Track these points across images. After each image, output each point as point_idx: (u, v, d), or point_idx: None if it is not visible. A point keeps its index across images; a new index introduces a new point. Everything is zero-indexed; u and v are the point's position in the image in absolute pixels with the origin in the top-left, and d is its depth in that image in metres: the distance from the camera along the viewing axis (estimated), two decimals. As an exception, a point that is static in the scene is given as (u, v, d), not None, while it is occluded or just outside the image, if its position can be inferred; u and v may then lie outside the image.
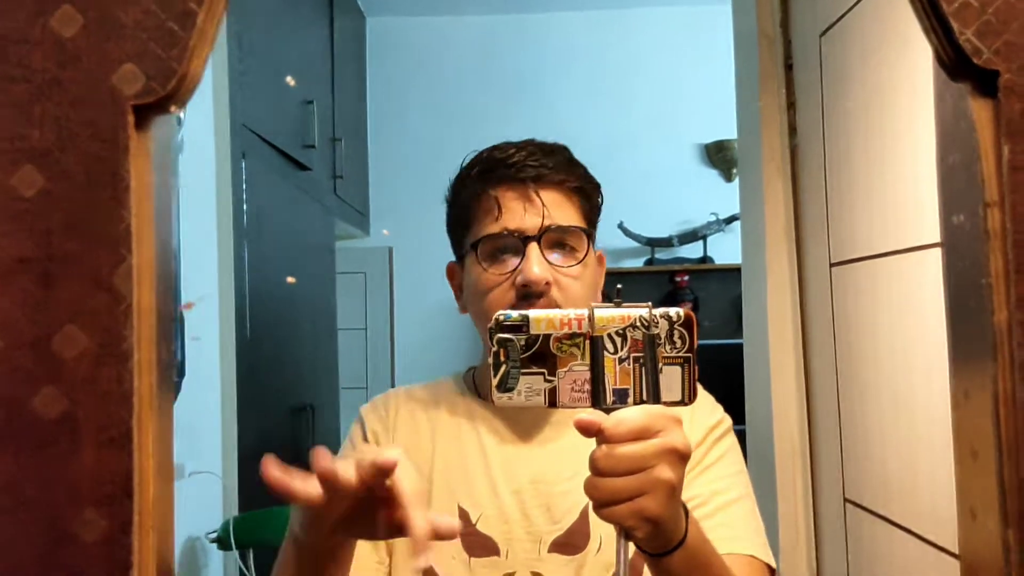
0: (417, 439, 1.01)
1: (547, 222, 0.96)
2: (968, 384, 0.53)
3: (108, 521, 0.41)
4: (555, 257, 0.96)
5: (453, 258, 1.08)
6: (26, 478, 0.41)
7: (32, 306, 0.42)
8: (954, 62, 0.45)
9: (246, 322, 2.27)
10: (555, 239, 0.97)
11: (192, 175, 1.97)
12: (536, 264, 0.94)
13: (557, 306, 0.93)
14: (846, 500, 1.39)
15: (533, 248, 0.95)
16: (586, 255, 0.98)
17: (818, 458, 1.50)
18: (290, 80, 2.48)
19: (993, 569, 0.50)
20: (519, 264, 0.95)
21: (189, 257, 1.90)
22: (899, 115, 1.16)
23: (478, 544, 0.94)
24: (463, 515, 0.95)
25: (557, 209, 0.97)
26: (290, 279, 2.49)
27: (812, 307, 1.50)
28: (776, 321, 1.52)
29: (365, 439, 1.03)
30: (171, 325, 0.49)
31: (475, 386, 1.06)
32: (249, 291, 2.28)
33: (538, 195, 0.96)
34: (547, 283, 0.94)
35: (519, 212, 0.96)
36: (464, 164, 1.04)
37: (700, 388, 1.03)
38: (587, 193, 1.01)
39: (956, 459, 0.54)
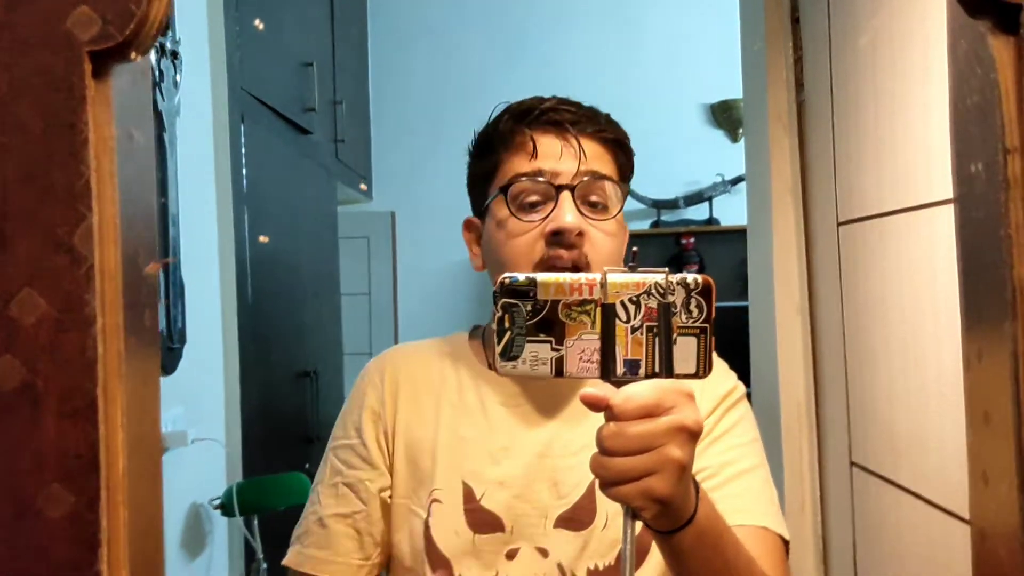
0: (420, 414, 0.98)
1: (584, 168, 0.91)
2: (981, 345, 0.50)
3: (75, 496, 0.39)
4: (587, 210, 0.91)
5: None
6: (-16, 451, 0.39)
7: (-13, 268, 0.39)
8: (975, -2, 0.41)
9: (247, 288, 2.25)
10: (590, 190, 0.91)
11: (190, 140, 1.94)
12: (569, 212, 0.89)
13: (587, 261, 0.88)
14: (852, 463, 1.37)
15: (566, 196, 0.89)
16: (619, 211, 0.93)
17: (824, 421, 1.48)
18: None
19: (1005, 534, 0.48)
20: (551, 212, 0.90)
21: (188, 223, 1.88)
22: (910, 69, 1.12)
23: (482, 520, 0.92)
24: (467, 491, 0.93)
25: (595, 159, 0.92)
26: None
27: (819, 267, 1.47)
28: (782, 282, 1.49)
29: (359, 423, 1.00)
30: (150, 290, 0.46)
31: (483, 349, 1.02)
32: (250, 256, 2.26)
33: (577, 141, 0.91)
34: (580, 233, 0.89)
35: (555, 154, 0.91)
36: (491, 116, 0.98)
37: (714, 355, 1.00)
38: (624, 147, 0.97)
39: (968, 423, 0.52)
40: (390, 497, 0.97)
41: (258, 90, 2.36)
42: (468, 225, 1.02)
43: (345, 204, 3.61)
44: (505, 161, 0.94)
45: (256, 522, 2.01)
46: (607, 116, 0.97)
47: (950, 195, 0.97)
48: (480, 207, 0.99)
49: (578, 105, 0.95)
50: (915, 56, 1.11)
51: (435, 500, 0.93)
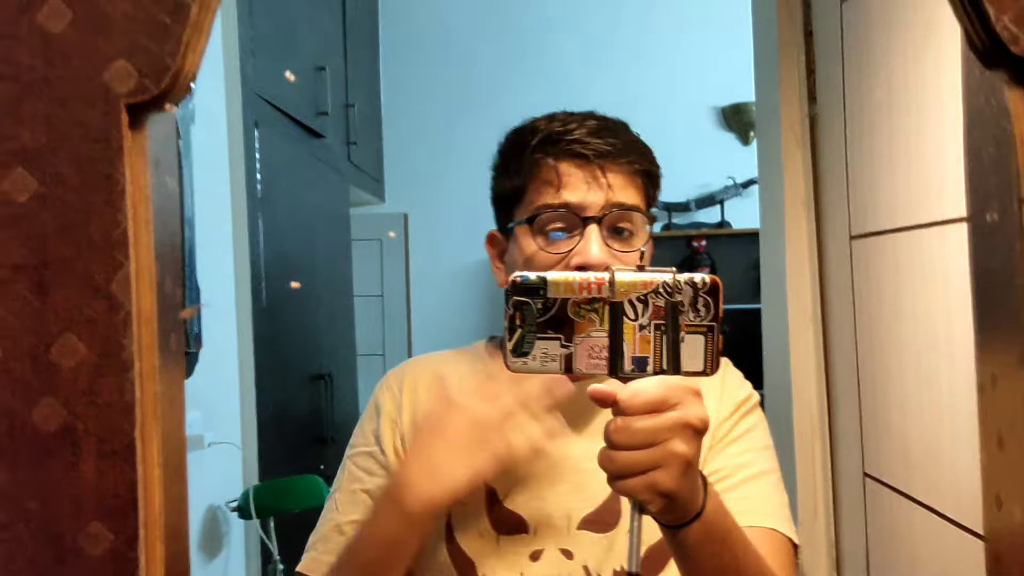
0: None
1: (611, 202, 0.91)
2: (996, 370, 0.51)
3: (113, 535, 0.40)
4: (613, 241, 0.92)
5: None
6: (26, 492, 0.40)
7: (28, 315, 0.41)
8: (989, 49, 0.42)
9: (262, 291, 2.27)
10: (615, 221, 0.92)
11: (205, 145, 1.96)
12: (596, 246, 0.89)
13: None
14: (866, 475, 1.37)
15: (593, 229, 0.90)
16: (646, 242, 0.93)
17: (837, 431, 1.48)
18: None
19: (1019, 556, 0.48)
20: (576, 245, 0.90)
21: (203, 228, 1.90)
22: (924, 87, 1.13)
23: (507, 521, 0.93)
24: (490, 493, 0.94)
25: (621, 191, 0.92)
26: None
27: (831, 279, 1.47)
28: (795, 291, 1.50)
29: (378, 431, 1.00)
30: (179, 321, 0.48)
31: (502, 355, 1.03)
32: (264, 260, 2.28)
33: (603, 173, 0.91)
34: (606, 268, 0.90)
35: (582, 187, 0.91)
36: (515, 131, 0.98)
37: (729, 364, 1.01)
38: (652, 176, 0.97)
39: (982, 445, 0.53)
40: None
41: (271, 95, 2.37)
42: (491, 240, 1.03)
43: (358, 206, 3.62)
44: (531, 190, 0.94)
45: (272, 524, 2.03)
46: (635, 140, 0.97)
47: (963, 213, 0.98)
48: (504, 225, 0.99)
49: (604, 129, 0.94)
50: (928, 74, 1.11)
51: (458, 502, 0.94)
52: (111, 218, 0.41)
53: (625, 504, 0.91)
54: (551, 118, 0.96)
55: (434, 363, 1.05)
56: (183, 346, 0.49)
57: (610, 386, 0.67)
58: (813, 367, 1.50)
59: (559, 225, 0.92)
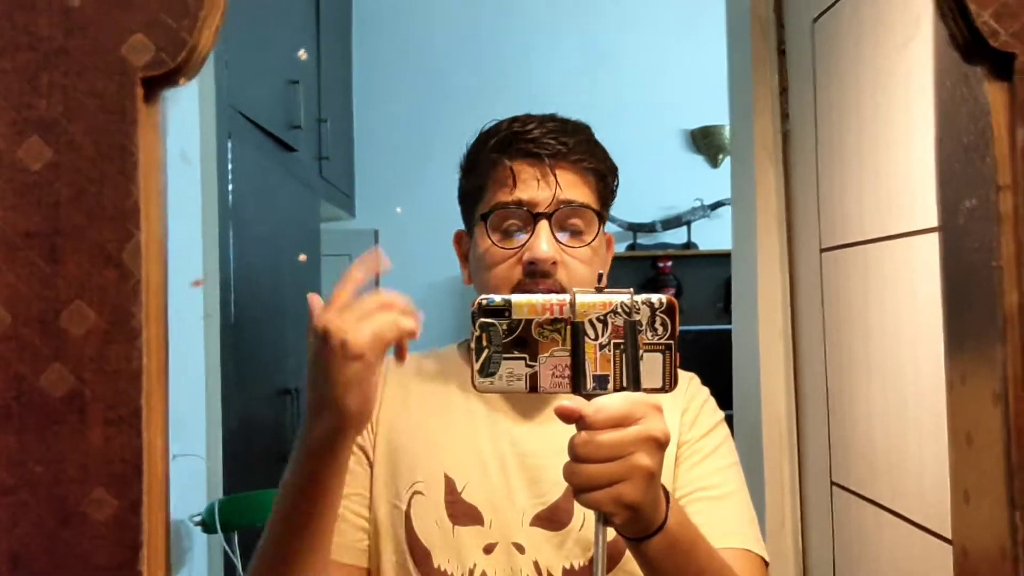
0: (405, 405, 1.01)
1: (560, 198, 0.95)
2: (965, 368, 0.53)
3: (118, 500, 0.41)
4: (564, 237, 0.95)
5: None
6: (33, 456, 0.40)
7: (39, 281, 0.41)
8: (970, 44, 0.44)
9: (231, 304, 2.25)
10: (566, 218, 0.96)
11: (176, 156, 1.95)
12: (545, 242, 0.93)
13: (561, 288, 0.92)
14: (833, 483, 1.40)
15: (543, 225, 0.94)
16: (595, 237, 0.97)
17: (805, 441, 1.51)
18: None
19: (986, 551, 0.50)
20: (527, 240, 0.94)
21: (174, 239, 1.88)
22: (892, 101, 1.17)
23: (463, 512, 0.95)
24: (449, 483, 0.96)
25: (571, 188, 0.96)
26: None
27: (802, 292, 1.51)
28: (765, 306, 1.53)
29: None
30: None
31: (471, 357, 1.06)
32: (234, 273, 2.26)
33: (553, 172, 0.95)
34: (554, 263, 0.93)
35: (533, 185, 0.95)
36: (482, 132, 1.02)
37: (695, 379, 1.04)
38: (603, 175, 1.00)
39: (950, 443, 0.54)
40: (372, 491, 0.99)
41: (245, 107, 2.37)
42: (458, 238, 1.07)
43: (328, 221, 3.61)
44: (488, 189, 0.98)
45: (236, 538, 2.01)
46: (588, 140, 1.01)
47: (931, 224, 1.01)
48: (468, 224, 1.04)
49: (560, 130, 0.98)
50: (898, 90, 1.15)
51: (417, 492, 0.96)
52: (124, 188, 0.42)
53: (578, 505, 0.93)
54: (514, 119, 1.01)
55: (405, 366, 1.08)
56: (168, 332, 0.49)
57: (574, 403, 0.69)
58: (782, 379, 1.52)
59: (513, 222, 0.96)
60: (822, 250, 1.41)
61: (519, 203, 0.95)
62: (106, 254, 0.41)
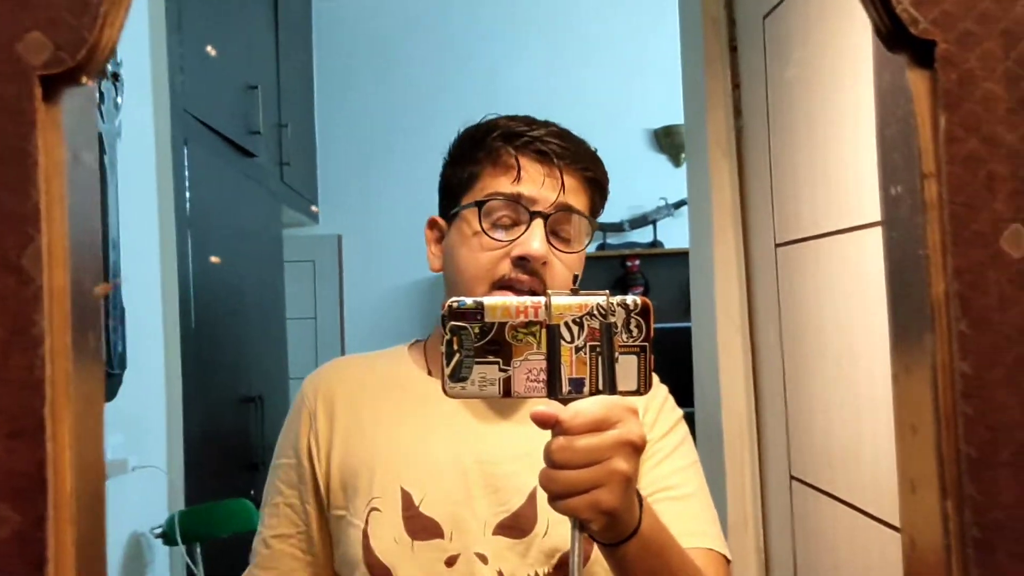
0: (359, 419, 0.99)
1: (561, 200, 0.94)
2: (908, 359, 0.53)
3: (21, 516, 0.39)
4: (554, 240, 0.94)
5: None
6: (-72, 472, 0.38)
7: (-67, 290, 0.39)
8: (891, 32, 0.44)
9: (191, 312, 2.22)
10: (560, 222, 0.95)
11: (132, 162, 1.91)
12: (538, 240, 0.92)
13: (544, 289, 0.91)
14: (792, 477, 1.40)
15: (538, 224, 0.93)
16: (584, 246, 0.97)
17: (765, 437, 1.51)
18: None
19: (933, 543, 0.50)
20: (521, 235, 0.93)
21: (130, 246, 1.85)
22: (840, 94, 1.17)
23: (421, 527, 0.93)
24: (406, 497, 0.94)
25: (572, 194, 0.95)
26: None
27: (758, 288, 1.51)
28: (723, 303, 1.53)
29: (295, 440, 1.01)
30: (95, 311, 0.46)
31: (425, 360, 1.03)
32: (194, 280, 2.23)
33: (560, 173, 0.94)
34: (544, 263, 0.92)
35: (537, 182, 0.94)
36: (476, 124, 1.00)
37: (655, 378, 1.03)
38: (601, 187, 1.00)
39: (896, 434, 0.54)
40: (329, 512, 0.98)
41: (202, 113, 2.34)
42: (432, 224, 1.04)
43: (291, 227, 3.58)
44: (486, 176, 0.96)
45: (199, 550, 1.97)
46: (591, 151, 1.00)
47: (879, 217, 1.02)
48: (449, 211, 1.01)
49: (566, 136, 0.98)
50: (845, 83, 1.16)
51: (374, 509, 0.93)
52: (22, 191, 0.40)
53: (541, 510, 0.92)
54: (512, 117, 0.99)
55: (354, 365, 1.06)
56: (100, 339, 0.47)
57: (550, 407, 0.68)
58: (742, 376, 1.53)
59: (506, 214, 0.94)
60: (776, 245, 1.41)
61: (518, 196, 0.93)
62: (4, 259, 0.40)
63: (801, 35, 1.28)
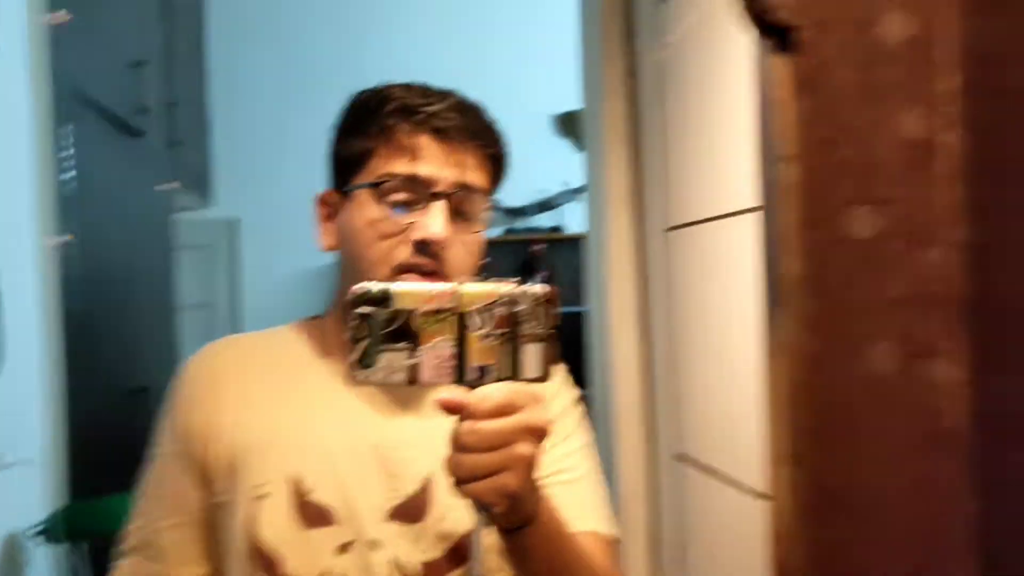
0: (246, 402, 0.95)
1: (461, 180, 0.91)
2: (771, 338, 0.55)
3: None
4: (454, 221, 0.91)
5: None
6: None
7: None
8: (756, 19, 0.45)
9: (74, 300, 2.11)
10: (461, 201, 0.91)
11: (4, 140, 1.80)
12: (439, 222, 0.88)
13: (446, 271, 0.89)
14: (678, 455, 1.44)
15: (439, 205, 0.89)
16: (484, 225, 0.94)
17: (655, 417, 1.55)
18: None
19: (799, 508, 0.52)
20: (420, 218, 0.89)
21: (3, 230, 1.75)
22: (727, 80, 1.20)
23: (313, 514, 0.90)
24: (297, 485, 0.91)
25: (473, 172, 0.92)
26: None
27: (651, 272, 1.54)
28: (617, 287, 1.56)
29: (173, 423, 0.98)
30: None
31: (321, 340, 0.99)
32: (76, 267, 2.12)
33: (459, 151, 0.91)
34: (445, 245, 0.89)
35: (435, 161, 0.90)
36: (368, 92, 0.95)
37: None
38: (501, 162, 0.97)
39: (767, 408, 0.57)
40: (215, 499, 0.94)
41: (85, 89, 2.22)
42: (323, 200, 0.99)
43: (184, 211, 3.45)
44: (380, 155, 0.91)
45: (86, 549, 1.89)
46: (491, 123, 0.97)
47: (757, 203, 1.05)
48: (341, 187, 0.96)
49: (464, 108, 0.94)
50: (730, 67, 1.18)
51: (263, 495, 0.90)
52: None
53: (435, 496, 0.91)
54: (408, 87, 0.94)
55: (240, 345, 1.02)
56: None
57: (456, 393, 0.69)
58: (634, 358, 1.55)
59: (404, 196, 0.90)
60: (666, 230, 1.44)
61: (415, 177, 0.89)
62: None
63: (695, 20, 1.30)
